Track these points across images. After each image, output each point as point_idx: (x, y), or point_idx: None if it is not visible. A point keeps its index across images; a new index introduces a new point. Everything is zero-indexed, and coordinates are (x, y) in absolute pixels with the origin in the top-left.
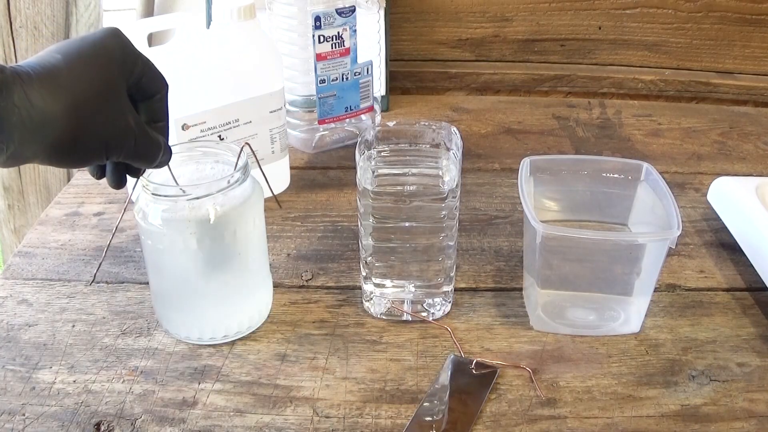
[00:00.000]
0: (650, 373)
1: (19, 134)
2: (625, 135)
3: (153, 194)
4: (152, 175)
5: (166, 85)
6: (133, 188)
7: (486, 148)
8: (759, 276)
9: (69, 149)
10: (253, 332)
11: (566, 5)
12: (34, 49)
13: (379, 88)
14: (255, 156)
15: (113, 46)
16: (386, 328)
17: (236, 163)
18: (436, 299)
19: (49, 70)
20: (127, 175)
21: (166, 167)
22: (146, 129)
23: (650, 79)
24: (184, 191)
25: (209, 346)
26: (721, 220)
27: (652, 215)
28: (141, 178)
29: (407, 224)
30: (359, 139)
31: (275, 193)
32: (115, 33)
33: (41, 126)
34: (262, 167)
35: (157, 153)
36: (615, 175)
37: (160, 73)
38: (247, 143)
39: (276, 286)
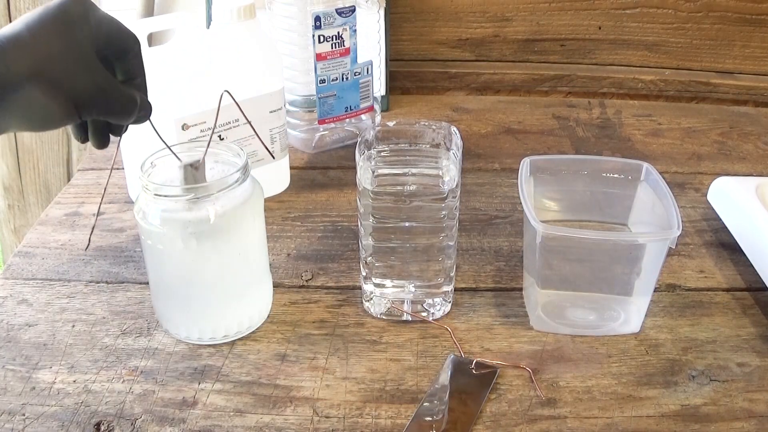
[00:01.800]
0: (650, 373)
1: None
2: (625, 135)
3: (153, 194)
4: (153, 175)
5: (137, 42)
6: (117, 146)
7: (486, 148)
8: (759, 276)
9: (39, 112)
10: (253, 332)
11: (566, 5)
12: None
13: (379, 88)
14: (237, 103)
15: (74, 10)
16: (386, 328)
17: (217, 109)
18: (436, 299)
19: (10, 38)
20: (111, 135)
21: (149, 124)
22: (117, 85)
23: (650, 79)
24: (180, 159)
25: (209, 346)
26: (721, 220)
27: (652, 215)
28: (141, 178)
29: (407, 224)
30: (359, 139)
31: (275, 193)
32: None
33: (7, 91)
34: (262, 167)
35: (131, 108)
36: (615, 175)
37: (129, 31)
38: (226, 90)
39: (276, 286)
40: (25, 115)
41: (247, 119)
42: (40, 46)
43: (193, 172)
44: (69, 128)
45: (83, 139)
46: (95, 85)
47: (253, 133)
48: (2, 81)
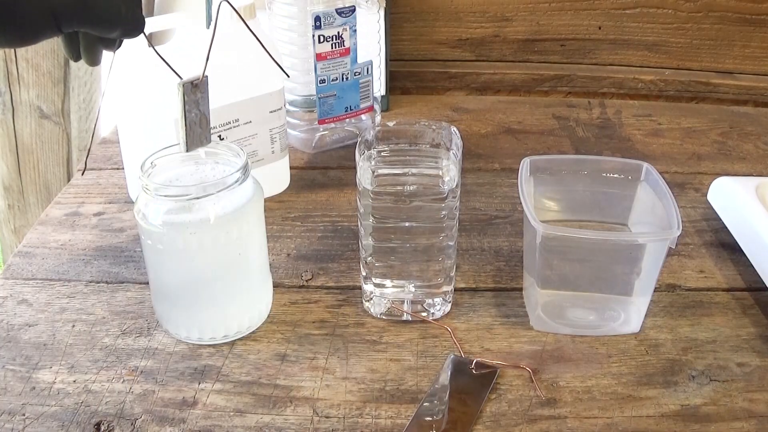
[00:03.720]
0: (650, 373)
1: None
2: (625, 135)
3: (153, 194)
4: (153, 175)
5: None
6: (109, 70)
7: (486, 148)
8: (759, 276)
9: (15, 22)
10: (253, 332)
11: (566, 5)
12: (34, 49)
13: (379, 88)
14: (236, 11)
15: None
16: (386, 328)
17: (213, 17)
18: (436, 299)
19: None
20: (105, 50)
21: (145, 41)
22: None
23: (650, 79)
24: (180, 77)
25: (209, 346)
26: (721, 220)
27: (652, 215)
28: (141, 178)
29: (407, 224)
30: (359, 139)
31: (275, 193)
32: None
33: None
34: (262, 167)
35: (116, 17)
36: (615, 175)
37: None
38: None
39: (276, 286)
40: (1, 29)
41: (261, 44)
42: None
43: (193, 90)
44: (61, 45)
45: (75, 57)
46: None
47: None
48: None
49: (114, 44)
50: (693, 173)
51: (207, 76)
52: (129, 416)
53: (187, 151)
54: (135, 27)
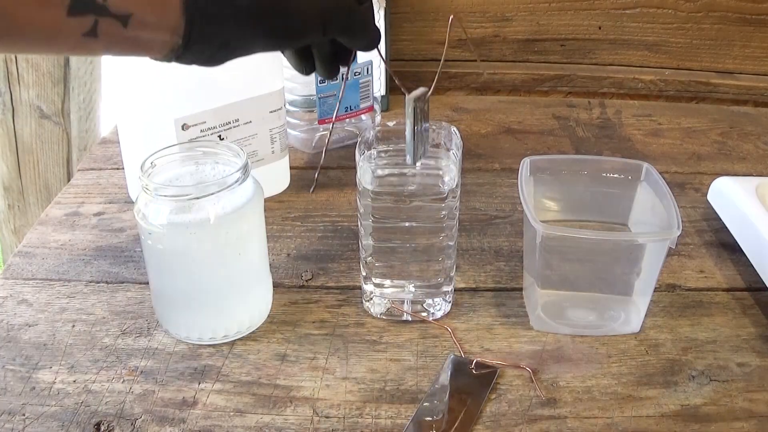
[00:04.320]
0: (650, 373)
1: (225, 14)
2: (625, 135)
3: (153, 194)
4: (153, 175)
5: None
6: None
7: (486, 148)
8: (759, 276)
9: (285, 25)
10: (253, 332)
11: (566, 5)
12: None
13: (379, 88)
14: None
15: None
16: (386, 328)
17: None
18: (436, 299)
19: None
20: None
21: (375, 51)
22: (356, 4)
23: (650, 79)
24: (406, 93)
25: (209, 346)
26: (721, 220)
27: (652, 215)
28: (141, 178)
29: (407, 224)
30: (359, 139)
31: (275, 193)
32: None
33: (251, 1)
34: (262, 167)
35: (369, 29)
36: (615, 175)
37: None
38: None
39: (276, 286)
40: (274, 27)
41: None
42: None
43: (419, 104)
44: (290, 59)
45: (308, 69)
46: (341, 1)
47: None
48: None
49: (350, 57)
50: (693, 173)
51: (428, 90)
52: (129, 416)
53: (413, 163)
54: (377, 39)
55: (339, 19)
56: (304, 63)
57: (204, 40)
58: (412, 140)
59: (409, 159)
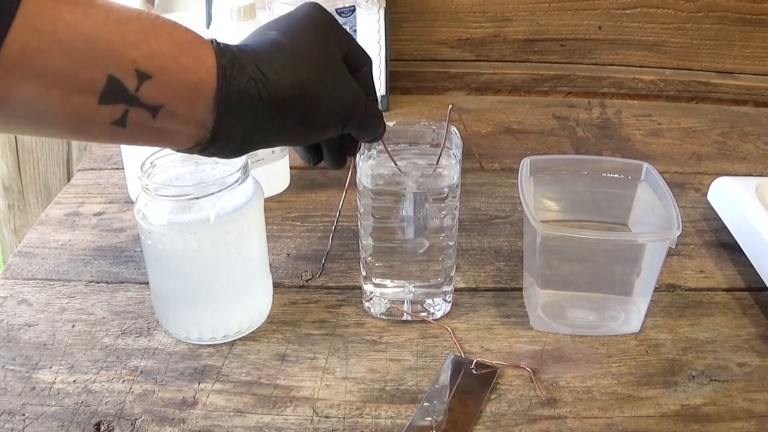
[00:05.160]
0: (650, 373)
1: (254, 111)
2: (625, 135)
3: (153, 194)
4: (153, 175)
5: (370, 60)
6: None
7: (486, 148)
8: (759, 276)
9: (309, 121)
10: (253, 332)
11: (566, 5)
12: None
13: (379, 88)
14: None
15: (322, 20)
16: (386, 328)
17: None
18: (436, 299)
19: (272, 45)
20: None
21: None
22: (367, 98)
23: (650, 79)
24: (401, 170)
25: (209, 346)
26: (721, 220)
27: (652, 215)
28: (141, 178)
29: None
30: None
31: (275, 193)
32: (319, 8)
33: (279, 99)
34: (262, 167)
35: (381, 122)
36: (615, 175)
37: (361, 46)
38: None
39: (276, 286)
40: (299, 125)
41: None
42: (302, 53)
43: (420, 196)
44: (299, 151)
45: (315, 161)
46: (358, 97)
47: None
48: (275, 90)
49: (357, 147)
50: (693, 173)
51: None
52: (129, 416)
53: (414, 238)
54: (384, 132)
55: (355, 117)
56: (313, 155)
57: (229, 135)
58: (413, 224)
59: (408, 234)
